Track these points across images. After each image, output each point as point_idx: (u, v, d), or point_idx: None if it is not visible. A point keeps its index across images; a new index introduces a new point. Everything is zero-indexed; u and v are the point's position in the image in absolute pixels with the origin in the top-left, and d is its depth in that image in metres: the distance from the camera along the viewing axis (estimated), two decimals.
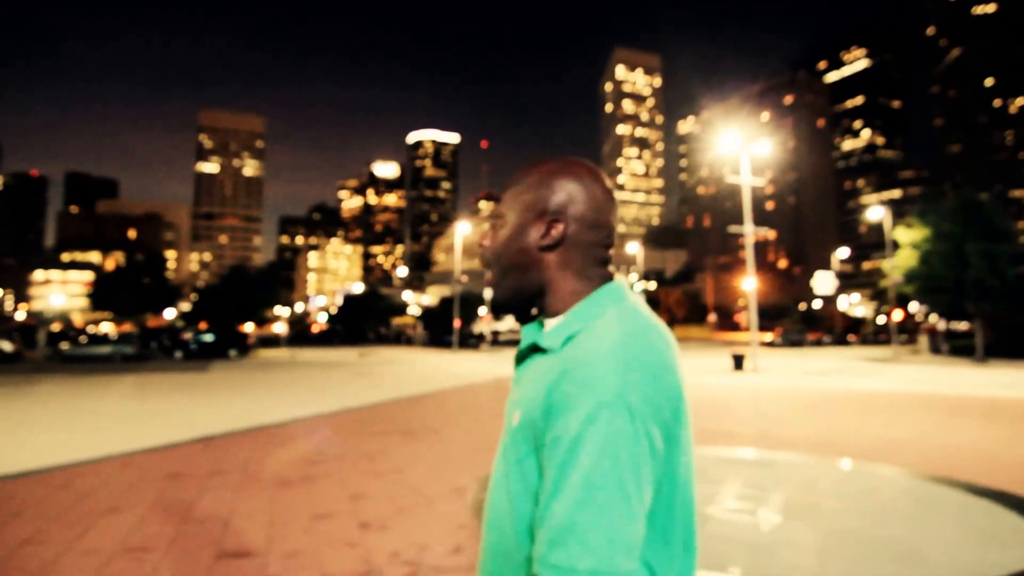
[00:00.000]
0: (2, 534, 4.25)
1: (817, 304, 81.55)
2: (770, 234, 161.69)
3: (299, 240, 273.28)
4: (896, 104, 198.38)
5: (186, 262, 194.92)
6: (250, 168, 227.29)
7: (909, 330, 61.32)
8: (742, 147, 23.10)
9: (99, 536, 4.20)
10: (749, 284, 23.00)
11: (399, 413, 10.74)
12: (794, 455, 6.67)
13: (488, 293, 44.83)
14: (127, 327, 66.46)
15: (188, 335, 33.48)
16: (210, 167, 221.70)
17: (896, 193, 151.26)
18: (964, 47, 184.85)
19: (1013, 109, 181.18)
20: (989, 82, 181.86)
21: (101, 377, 19.34)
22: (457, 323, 43.43)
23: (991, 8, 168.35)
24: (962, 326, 35.96)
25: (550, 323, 0.93)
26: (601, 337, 0.82)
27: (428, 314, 72.82)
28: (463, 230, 44.65)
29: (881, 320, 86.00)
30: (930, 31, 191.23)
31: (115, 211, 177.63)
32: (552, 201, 0.93)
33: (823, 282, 23.14)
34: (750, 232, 23.00)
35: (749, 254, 23.09)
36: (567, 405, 0.77)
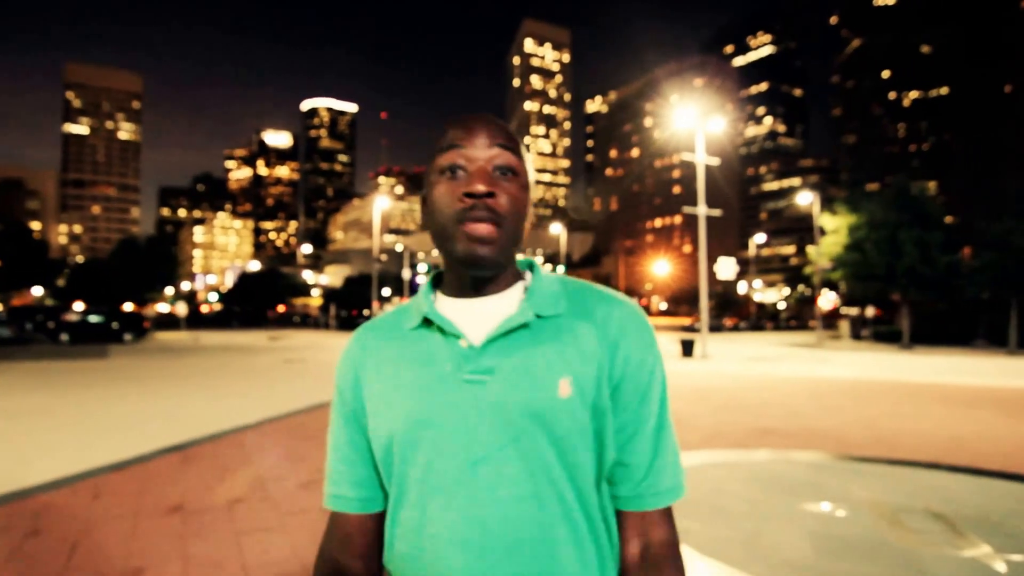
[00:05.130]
0: None
1: (716, 289, 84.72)
2: (676, 219, 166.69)
3: (182, 213, 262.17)
4: (798, 92, 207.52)
5: (54, 235, 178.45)
6: (126, 132, 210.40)
7: (827, 317, 64.45)
8: (697, 124, 23.07)
9: None
10: (723, 268, 23.12)
11: None
12: (876, 458, 6.16)
13: (405, 273, 43.55)
14: None
15: (72, 316, 30.09)
16: (79, 129, 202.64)
17: (796, 181, 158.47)
18: (864, 38, 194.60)
19: (907, 102, 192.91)
20: (886, 74, 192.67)
21: None
22: (375, 305, 42.19)
23: (892, 0, 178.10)
24: (870, 312, 37.63)
25: (501, 298, 0.93)
26: (625, 301, 0.95)
27: (335, 295, 70.80)
28: (382, 205, 43.16)
29: (782, 306, 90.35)
30: (833, 20, 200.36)
31: None
32: (533, 175, 0.97)
33: (725, 267, 23.98)
34: (703, 213, 22.99)
35: (702, 237, 23.01)
36: (647, 357, 0.90)
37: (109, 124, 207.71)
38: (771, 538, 3.91)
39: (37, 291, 59.73)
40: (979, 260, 28.78)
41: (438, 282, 1.01)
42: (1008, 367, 19.21)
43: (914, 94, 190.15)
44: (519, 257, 1.00)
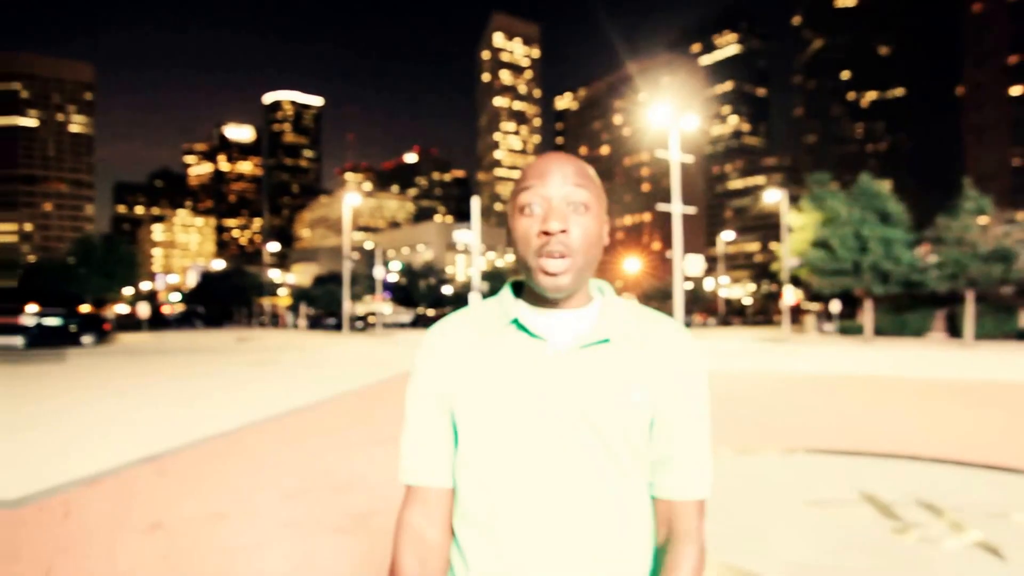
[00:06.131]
0: None
1: (688, 286, 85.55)
2: (645, 216, 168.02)
3: (139, 210, 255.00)
4: (761, 92, 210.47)
5: (1, 233, 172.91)
6: (77, 125, 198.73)
7: (792, 312, 65.45)
8: (672, 121, 23.22)
9: None
10: (690, 265, 23.30)
11: (372, 415, 9.27)
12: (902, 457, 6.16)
13: (378, 272, 43.09)
14: None
15: (26, 318, 27.98)
16: (28, 121, 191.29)
17: (761, 179, 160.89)
18: (826, 39, 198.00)
19: (864, 103, 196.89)
20: (845, 75, 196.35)
21: None
22: (347, 304, 41.71)
23: (852, 1, 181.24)
24: (835, 307, 38.56)
25: (579, 313, 1.07)
26: (675, 326, 1.09)
27: (304, 294, 69.83)
28: (352, 201, 42.70)
29: (748, 301, 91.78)
30: (796, 20, 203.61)
31: None
32: (607, 205, 1.11)
33: (692, 264, 24.40)
34: (678, 212, 23.16)
35: (676, 233, 23.23)
36: (695, 374, 1.06)
37: (59, 116, 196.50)
38: (772, 536, 3.92)
39: None
40: (940, 256, 29.70)
41: (518, 290, 1.13)
42: (966, 358, 19.94)
43: (872, 95, 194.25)
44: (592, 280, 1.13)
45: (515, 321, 1.06)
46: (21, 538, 4.16)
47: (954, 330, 31.00)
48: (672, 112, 23.68)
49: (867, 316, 31.84)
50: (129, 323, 48.09)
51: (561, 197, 1.00)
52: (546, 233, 0.98)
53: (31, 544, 4.05)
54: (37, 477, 5.77)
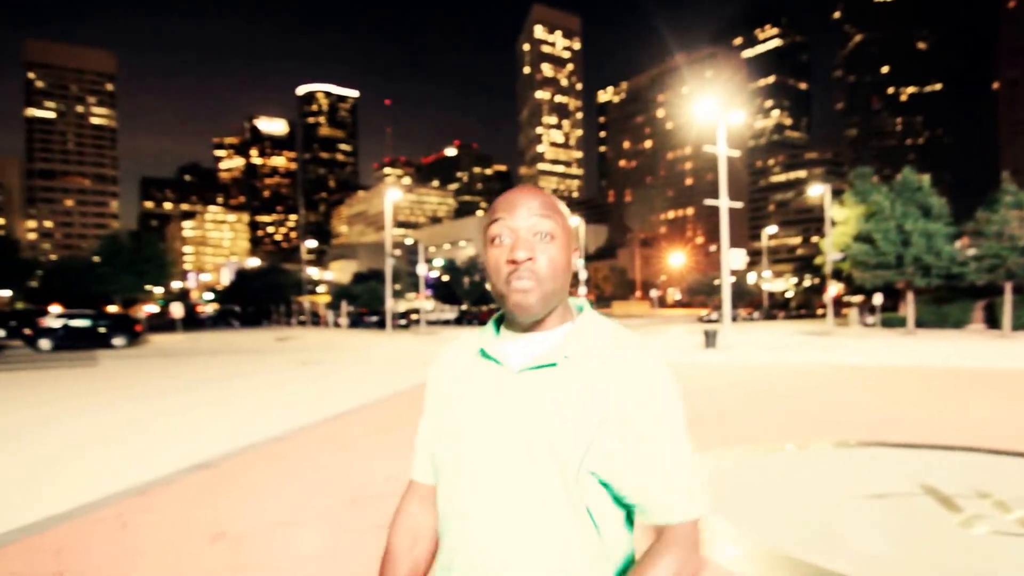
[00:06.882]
0: None
1: (731, 279, 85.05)
2: (688, 210, 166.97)
3: (167, 206, 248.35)
4: (803, 86, 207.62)
5: (21, 231, 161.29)
6: (98, 116, 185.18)
7: (835, 305, 64.82)
8: (718, 116, 23.05)
9: None
10: (733, 259, 23.18)
11: None
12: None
13: (421, 269, 43.22)
14: None
15: (52, 320, 27.34)
16: (45, 113, 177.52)
17: (802, 173, 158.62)
18: (865, 34, 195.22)
19: (904, 97, 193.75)
20: (885, 69, 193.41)
21: None
22: (390, 302, 41.97)
23: None
24: (878, 300, 38.55)
25: (544, 336, 1.12)
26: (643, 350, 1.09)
27: (344, 292, 70.21)
28: (393, 197, 42.90)
29: (790, 294, 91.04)
30: (836, 15, 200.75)
31: None
32: (574, 233, 1.17)
33: (735, 258, 24.23)
34: (725, 207, 23.04)
35: (724, 228, 23.15)
36: (655, 398, 1.04)
37: (79, 108, 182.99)
38: (840, 531, 3.94)
39: (4, 293, 56.27)
40: (980, 249, 29.77)
41: (502, 319, 1.21)
42: (1007, 349, 20.00)
43: (911, 89, 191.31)
44: (572, 301, 1.19)
45: (481, 350, 1.15)
46: (79, 551, 4.03)
47: (992, 321, 31.93)
48: (719, 106, 23.50)
49: (909, 308, 32.23)
50: (161, 324, 47.22)
51: (528, 228, 1.07)
52: (513, 262, 1.05)
53: (91, 558, 3.93)
54: (84, 487, 5.63)
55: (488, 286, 1.15)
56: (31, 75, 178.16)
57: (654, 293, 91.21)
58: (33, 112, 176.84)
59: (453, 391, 1.17)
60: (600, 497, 1.05)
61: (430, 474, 1.22)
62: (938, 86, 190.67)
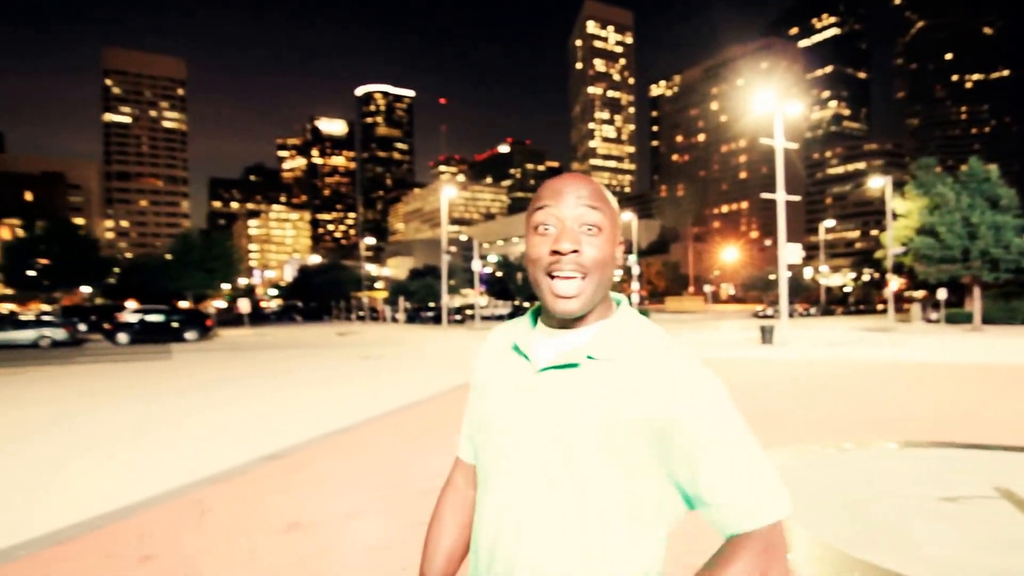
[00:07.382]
0: None
1: (787, 274, 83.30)
2: (742, 204, 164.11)
3: (234, 205, 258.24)
4: (862, 75, 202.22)
5: (100, 230, 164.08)
6: (170, 120, 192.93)
7: (896, 300, 63.31)
8: (775, 107, 22.65)
9: None
10: (789, 255, 22.77)
11: None
12: None
13: (475, 265, 43.45)
14: (34, 306, 59.11)
15: (129, 315, 28.64)
16: (121, 118, 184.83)
17: (861, 165, 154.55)
18: (928, 20, 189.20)
19: (968, 85, 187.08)
20: (948, 57, 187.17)
21: (37, 370, 16.54)
22: (445, 298, 42.40)
23: None
24: (942, 295, 37.35)
25: (576, 333, 1.08)
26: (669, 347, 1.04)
27: (401, 288, 71.12)
28: (449, 194, 43.23)
29: (848, 289, 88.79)
30: (897, 1, 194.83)
31: (2, 169, 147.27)
32: (621, 225, 1.12)
33: (791, 252, 23.68)
34: (782, 200, 22.66)
35: (781, 222, 22.72)
36: (690, 406, 0.97)
37: (152, 112, 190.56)
38: (913, 534, 3.85)
39: (85, 290, 58.45)
40: None
41: (539, 310, 1.18)
42: None
43: (976, 76, 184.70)
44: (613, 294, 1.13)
45: (514, 344, 1.13)
46: (160, 537, 4.21)
47: None
48: (775, 98, 23.08)
49: (976, 304, 31.10)
50: (229, 319, 49.13)
51: (574, 218, 1.02)
52: (557, 252, 1.01)
53: (172, 544, 4.09)
54: (163, 475, 5.86)
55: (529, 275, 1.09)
56: (108, 82, 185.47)
57: (708, 288, 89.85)
58: (110, 117, 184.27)
59: (487, 382, 1.16)
60: (617, 504, 0.99)
61: (471, 455, 1.25)
62: (1005, 72, 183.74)
